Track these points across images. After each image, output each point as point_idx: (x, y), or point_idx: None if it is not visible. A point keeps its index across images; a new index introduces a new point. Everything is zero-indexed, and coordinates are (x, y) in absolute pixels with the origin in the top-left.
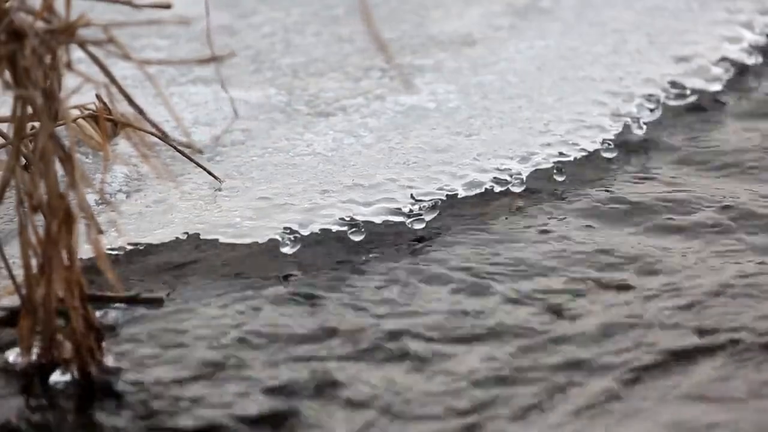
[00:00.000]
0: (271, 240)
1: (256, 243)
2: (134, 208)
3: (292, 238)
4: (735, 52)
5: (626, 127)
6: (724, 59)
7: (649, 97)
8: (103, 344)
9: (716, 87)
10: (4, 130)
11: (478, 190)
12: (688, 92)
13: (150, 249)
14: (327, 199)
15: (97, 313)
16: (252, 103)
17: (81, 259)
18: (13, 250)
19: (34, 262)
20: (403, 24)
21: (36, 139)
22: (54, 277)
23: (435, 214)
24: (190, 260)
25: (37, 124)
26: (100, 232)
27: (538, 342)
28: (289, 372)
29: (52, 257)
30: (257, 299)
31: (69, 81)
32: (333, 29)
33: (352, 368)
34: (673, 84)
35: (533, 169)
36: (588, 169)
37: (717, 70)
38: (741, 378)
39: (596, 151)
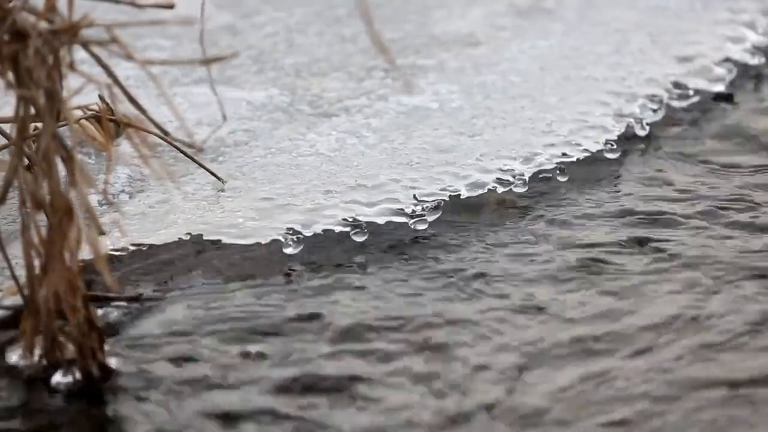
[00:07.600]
0: (274, 241)
1: (259, 244)
2: (137, 209)
3: (295, 239)
4: (738, 53)
5: (629, 127)
6: (727, 60)
7: (652, 98)
8: (105, 345)
9: (719, 87)
10: (7, 131)
11: (481, 191)
12: (691, 93)
13: (153, 250)
14: (330, 199)
15: (99, 313)
16: (255, 104)
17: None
18: (15, 251)
19: (36, 262)
20: (406, 24)
21: (39, 140)
22: (56, 278)
23: (438, 215)
24: (193, 261)
25: (39, 124)
26: (102, 233)
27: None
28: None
29: (54, 257)
30: (260, 300)
31: (72, 81)
32: (336, 29)
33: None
34: (676, 84)
35: (536, 169)
36: (591, 169)
37: (720, 71)
38: None
39: (599, 151)
